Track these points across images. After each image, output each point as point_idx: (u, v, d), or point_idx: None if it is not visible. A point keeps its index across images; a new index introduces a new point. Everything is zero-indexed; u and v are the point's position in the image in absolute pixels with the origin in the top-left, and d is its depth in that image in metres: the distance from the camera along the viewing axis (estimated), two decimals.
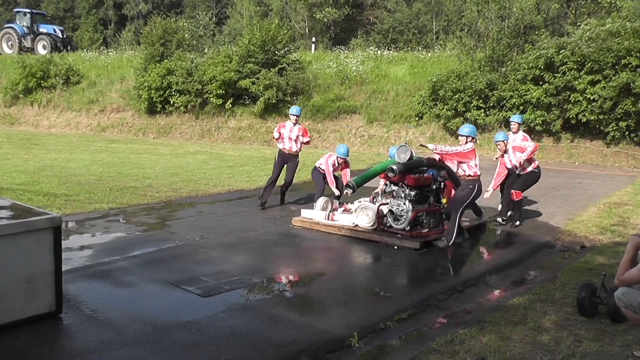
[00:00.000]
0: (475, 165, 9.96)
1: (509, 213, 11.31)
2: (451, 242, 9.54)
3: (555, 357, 5.22)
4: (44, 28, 43.14)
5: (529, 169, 11.23)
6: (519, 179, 11.27)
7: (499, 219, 11.40)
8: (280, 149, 12.62)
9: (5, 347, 5.34)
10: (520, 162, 11.04)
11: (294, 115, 12.63)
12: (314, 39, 40.37)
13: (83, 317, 6.19)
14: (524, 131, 13.55)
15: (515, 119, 12.83)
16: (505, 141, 11.25)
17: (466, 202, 9.76)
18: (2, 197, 7.07)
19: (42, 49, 41.57)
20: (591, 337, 5.64)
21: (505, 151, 11.18)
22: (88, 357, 5.26)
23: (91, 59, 38.31)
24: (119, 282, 7.36)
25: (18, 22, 43.04)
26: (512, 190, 11.10)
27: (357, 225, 10.15)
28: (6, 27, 43.96)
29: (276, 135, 12.71)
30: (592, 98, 20.21)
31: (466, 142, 9.99)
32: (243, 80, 27.66)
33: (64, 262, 6.39)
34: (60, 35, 43.27)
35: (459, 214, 9.65)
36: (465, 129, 10.16)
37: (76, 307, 6.45)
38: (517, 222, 11.11)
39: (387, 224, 9.93)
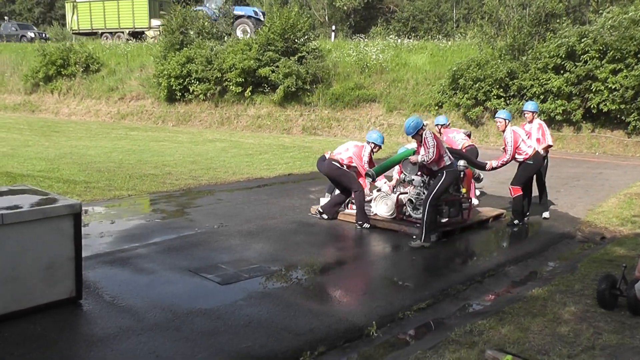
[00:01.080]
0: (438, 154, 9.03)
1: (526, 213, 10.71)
2: (423, 241, 8.84)
3: (575, 349, 5.19)
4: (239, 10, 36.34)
5: (520, 159, 10.42)
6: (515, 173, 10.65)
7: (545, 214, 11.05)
8: None
9: (26, 332, 5.39)
10: (492, 166, 10.53)
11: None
12: (333, 27, 40.29)
13: (103, 303, 6.24)
14: (543, 120, 12.87)
15: (530, 106, 11.64)
16: (506, 120, 10.67)
17: (433, 193, 9.00)
18: (23, 184, 7.12)
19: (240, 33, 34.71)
20: (611, 330, 5.60)
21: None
22: (108, 343, 5.31)
23: (111, 47, 38.44)
24: (139, 269, 7.40)
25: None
26: (509, 186, 10.56)
27: (376, 214, 10.13)
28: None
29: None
30: (613, 87, 19.97)
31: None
32: (262, 69, 27.62)
33: (84, 248, 6.43)
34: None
35: (427, 208, 8.94)
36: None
37: (96, 293, 6.51)
38: (516, 222, 10.43)
39: (407, 213, 9.91)
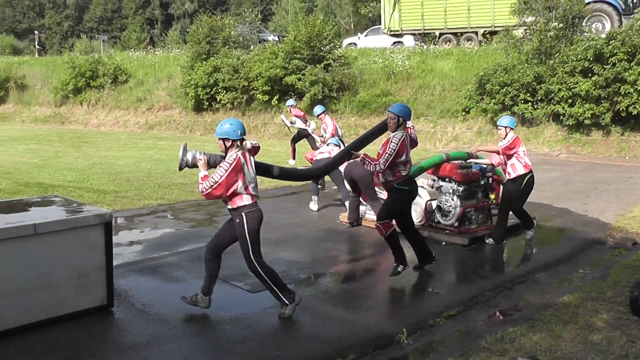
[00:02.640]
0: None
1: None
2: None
3: (608, 358, 5.13)
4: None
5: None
6: None
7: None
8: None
9: (59, 339, 5.45)
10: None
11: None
12: (359, 35, 40.28)
13: (134, 311, 6.30)
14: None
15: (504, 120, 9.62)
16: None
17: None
18: (54, 194, 7.22)
19: None
20: None
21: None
22: (139, 351, 5.36)
23: (138, 58, 38.81)
24: (169, 277, 7.46)
25: None
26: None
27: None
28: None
29: None
30: None
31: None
32: (289, 77, 27.69)
33: (115, 257, 6.51)
34: None
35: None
36: None
37: (127, 301, 6.57)
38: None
39: (435, 220, 9.88)
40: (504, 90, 22.53)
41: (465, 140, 23.84)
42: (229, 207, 6.02)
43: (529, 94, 22.43)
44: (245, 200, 5.93)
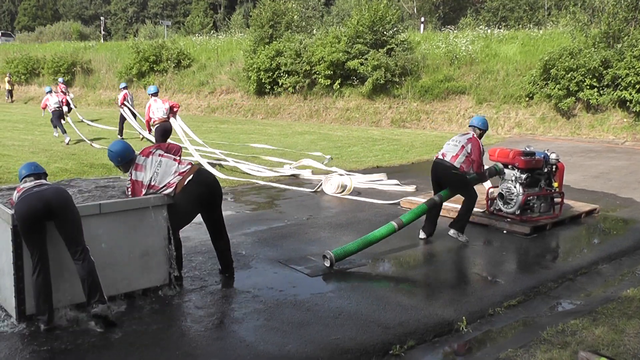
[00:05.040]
0: None
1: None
2: None
3: None
4: None
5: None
6: None
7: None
8: None
9: (124, 316, 5.60)
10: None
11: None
12: (422, 19, 39.94)
13: (196, 291, 6.43)
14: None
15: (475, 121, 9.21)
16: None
17: None
18: (118, 176, 7.39)
19: None
20: None
21: None
22: (199, 330, 5.47)
23: (201, 42, 39.25)
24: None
25: None
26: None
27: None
28: None
29: None
30: None
31: None
32: (351, 61, 27.66)
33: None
34: None
35: None
36: None
37: (189, 282, 6.70)
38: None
39: (497, 208, 9.79)
40: (569, 75, 22.06)
41: (528, 127, 23.47)
42: None
43: (595, 80, 21.90)
44: None
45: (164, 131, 14.76)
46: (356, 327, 5.58)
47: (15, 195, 5.44)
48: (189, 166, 6.55)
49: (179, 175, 6.37)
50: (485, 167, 9.14)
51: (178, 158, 6.61)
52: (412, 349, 5.32)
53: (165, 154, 6.58)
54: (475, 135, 8.81)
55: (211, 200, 6.74)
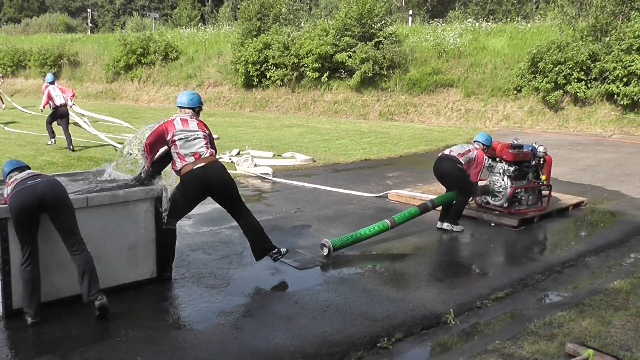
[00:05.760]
0: None
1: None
2: None
3: None
4: None
5: None
6: None
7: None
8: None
9: (111, 310, 5.57)
10: None
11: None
12: (410, 12, 39.91)
13: (184, 284, 6.41)
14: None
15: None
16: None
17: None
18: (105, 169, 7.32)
19: None
20: None
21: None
22: (190, 322, 5.46)
23: (189, 35, 39.12)
24: (218, 252, 7.56)
25: None
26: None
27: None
28: None
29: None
30: None
31: None
32: (339, 54, 27.66)
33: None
34: None
35: None
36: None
37: (178, 274, 6.67)
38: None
39: (485, 200, 9.81)
40: (557, 68, 22.18)
41: (516, 120, 23.54)
42: None
43: (582, 73, 22.00)
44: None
45: (61, 115, 16.16)
46: (344, 320, 5.58)
47: (7, 190, 5.39)
48: (209, 155, 6.45)
49: (193, 157, 6.33)
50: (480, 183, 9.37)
51: (207, 138, 6.56)
52: (399, 341, 5.31)
53: (202, 126, 6.60)
54: (481, 149, 9.03)
55: (214, 194, 6.62)
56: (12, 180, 5.46)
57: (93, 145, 16.51)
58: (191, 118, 6.57)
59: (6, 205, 5.24)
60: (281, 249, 6.87)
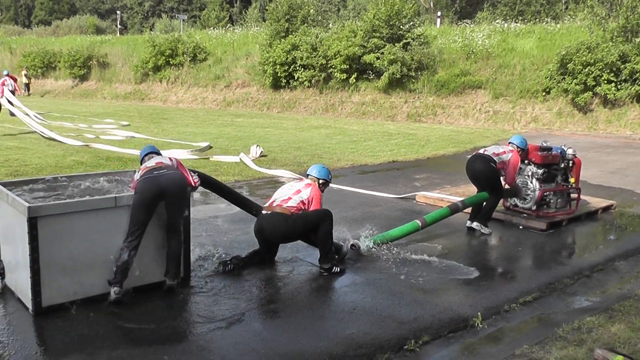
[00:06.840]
0: None
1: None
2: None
3: None
4: None
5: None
6: None
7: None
8: None
9: (137, 309, 5.61)
10: None
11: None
12: (439, 13, 39.79)
13: (209, 285, 6.43)
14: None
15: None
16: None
17: None
18: (133, 169, 7.38)
19: None
20: None
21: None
22: (215, 323, 5.47)
23: (217, 36, 39.34)
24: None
25: None
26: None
27: None
28: None
29: None
30: None
31: None
32: (367, 55, 27.65)
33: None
34: None
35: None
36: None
37: (204, 273, 6.71)
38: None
39: (513, 203, 9.75)
40: (587, 70, 21.96)
41: (545, 122, 23.36)
42: None
43: (612, 74, 21.78)
44: None
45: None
46: (371, 322, 5.58)
47: (137, 175, 6.16)
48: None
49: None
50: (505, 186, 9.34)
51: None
52: (427, 344, 5.30)
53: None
54: (516, 151, 9.05)
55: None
56: (143, 166, 6.27)
57: (116, 144, 16.65)
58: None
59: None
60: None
